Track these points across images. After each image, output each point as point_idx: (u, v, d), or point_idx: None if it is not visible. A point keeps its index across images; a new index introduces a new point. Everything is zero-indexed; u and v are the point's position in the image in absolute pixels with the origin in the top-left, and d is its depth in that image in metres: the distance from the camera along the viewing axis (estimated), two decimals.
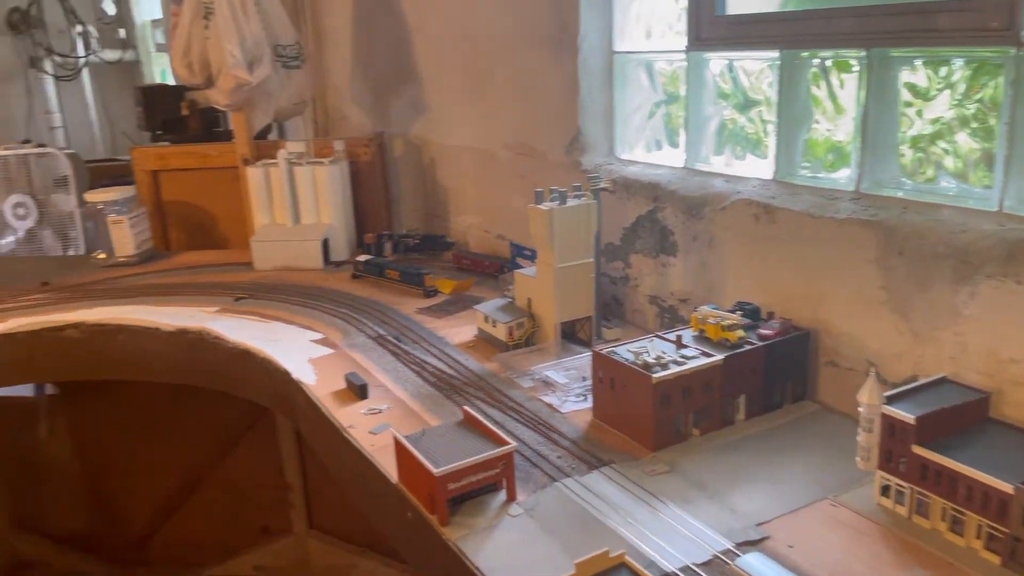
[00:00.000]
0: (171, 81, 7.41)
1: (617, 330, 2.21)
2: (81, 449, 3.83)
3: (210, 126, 4.04)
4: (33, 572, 3.88)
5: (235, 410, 2.65)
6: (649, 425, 1.58)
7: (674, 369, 1.59)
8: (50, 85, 7.56)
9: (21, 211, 3.72)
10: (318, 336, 2.26)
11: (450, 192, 3.30)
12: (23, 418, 3.74)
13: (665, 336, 1.76)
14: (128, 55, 7.42)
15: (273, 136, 4.26)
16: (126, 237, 3.07)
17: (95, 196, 3.07)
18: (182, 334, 2.35)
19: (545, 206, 2.02)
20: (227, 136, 4.17)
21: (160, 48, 8.04)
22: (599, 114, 2.40)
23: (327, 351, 2.16)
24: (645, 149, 2.41)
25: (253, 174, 3.02)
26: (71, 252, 3.72)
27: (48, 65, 6.74)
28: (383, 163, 3.45)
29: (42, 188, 3.71)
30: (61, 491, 3.92)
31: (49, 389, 3.77)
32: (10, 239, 3.74)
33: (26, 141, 4.19)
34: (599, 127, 2.41)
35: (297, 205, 3.01)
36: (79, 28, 6.67)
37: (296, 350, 2.16)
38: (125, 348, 2.42)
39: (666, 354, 1.64)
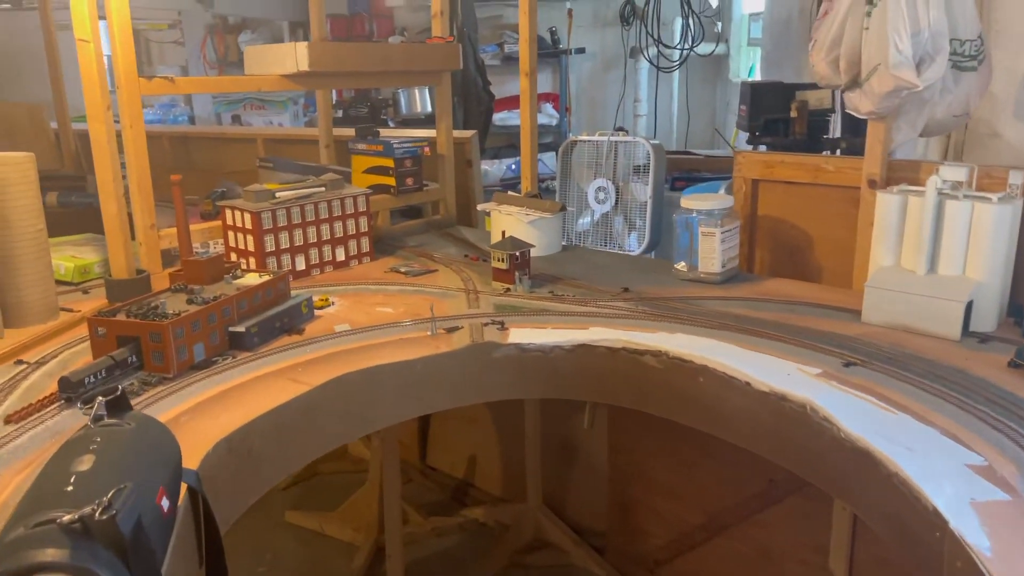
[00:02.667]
0: (759, 76, 7.12)
1: None
2: (613, 451, 3.74)
3: (817, 133, 3.51)
4: (550, 551, 3.97)
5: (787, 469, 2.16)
6: None
7: None
8: (644, 74, 7.94)
9: (601, 195, 3.85)
10: (976, 460, 1.56)
11: None
12: (574, 405, 3.78)
13: None
14: (719, 49, 7.35)
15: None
16: (714, 252, 2.72)
17: (690, 203, 2.78)
18: (779, 400, 1.86)
19: None
20: (833, 145, 3.60)
21: (753, 42, 7.84)
22: None
23: (997, 494, 1.44)
24: None
25: (884, 201, 2.38)
26: (631, 246, 3.67)
27: (647, 56, 6.99)
28: None
29: (622, 175, 3.80)
30: (588, 485, 3.92)
31: None
32: (586, 220, 3.85)
33: (620, 129, 4.27)
34: None
35: (937, 249, 2.29)
36: (683, 22, 6.77)
37: (946, 478, 1.49)
38: (705, 394, 2.04)
39: None
